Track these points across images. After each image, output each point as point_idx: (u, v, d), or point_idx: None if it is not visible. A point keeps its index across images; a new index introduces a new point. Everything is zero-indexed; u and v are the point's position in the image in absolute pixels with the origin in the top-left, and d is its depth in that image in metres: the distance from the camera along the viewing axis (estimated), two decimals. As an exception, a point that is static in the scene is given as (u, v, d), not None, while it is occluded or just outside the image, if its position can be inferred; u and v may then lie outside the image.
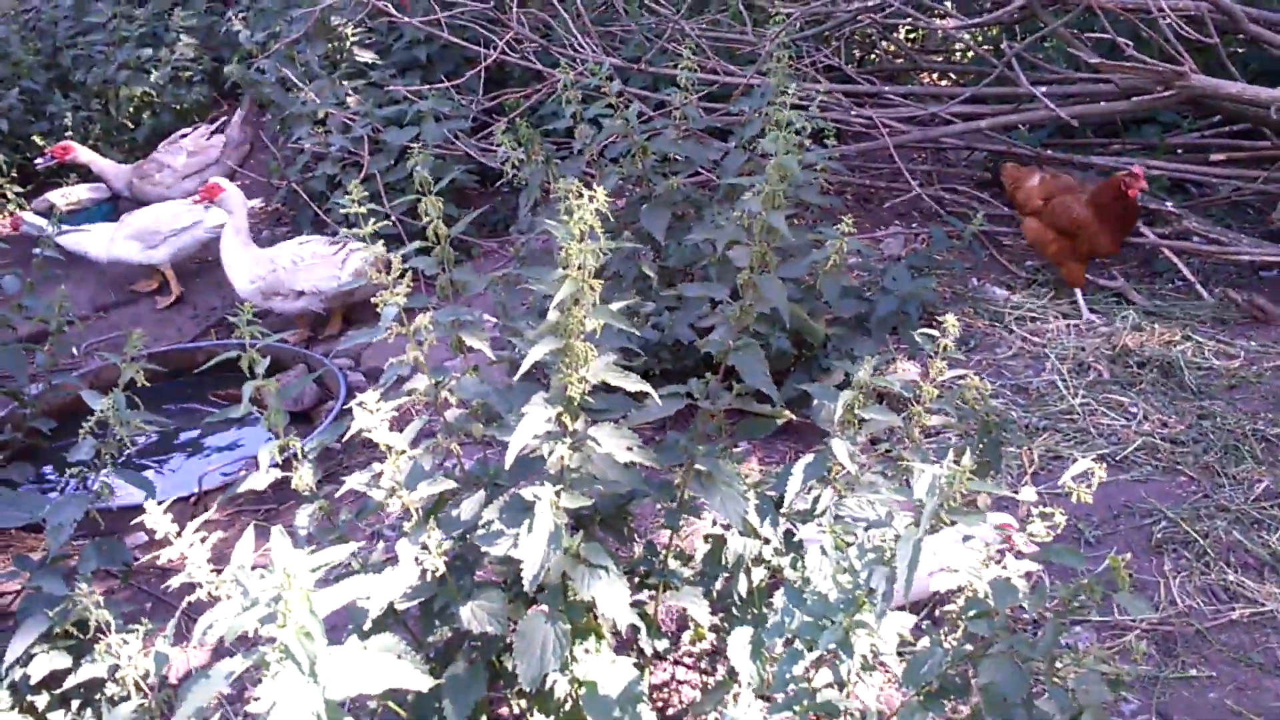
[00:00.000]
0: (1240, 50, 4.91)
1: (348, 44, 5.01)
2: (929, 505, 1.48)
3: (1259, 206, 4.59)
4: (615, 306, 1.81)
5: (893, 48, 5.98)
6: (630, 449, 1.83)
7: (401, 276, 2.08)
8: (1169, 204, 4.37)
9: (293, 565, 1.34)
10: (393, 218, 4.26)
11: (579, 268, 1.74)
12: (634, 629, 2.24)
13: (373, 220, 2.14)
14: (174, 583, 1.78)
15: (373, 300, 2.08)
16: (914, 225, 4.77)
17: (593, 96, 3.65)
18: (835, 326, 3.54)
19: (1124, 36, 4.25)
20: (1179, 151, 4.84)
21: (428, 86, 4.91)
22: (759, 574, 2.24)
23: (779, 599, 1.88)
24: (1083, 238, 3.98)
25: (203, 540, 1.79)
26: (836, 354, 3.43)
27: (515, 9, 4.99)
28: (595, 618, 2.04)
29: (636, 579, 2.30)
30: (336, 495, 2.07)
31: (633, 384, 1.79)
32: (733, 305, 2.24)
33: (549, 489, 1.83)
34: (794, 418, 3.06)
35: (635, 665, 2.07)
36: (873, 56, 5.95)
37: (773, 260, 2.21)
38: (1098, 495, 3.01)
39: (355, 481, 1.93)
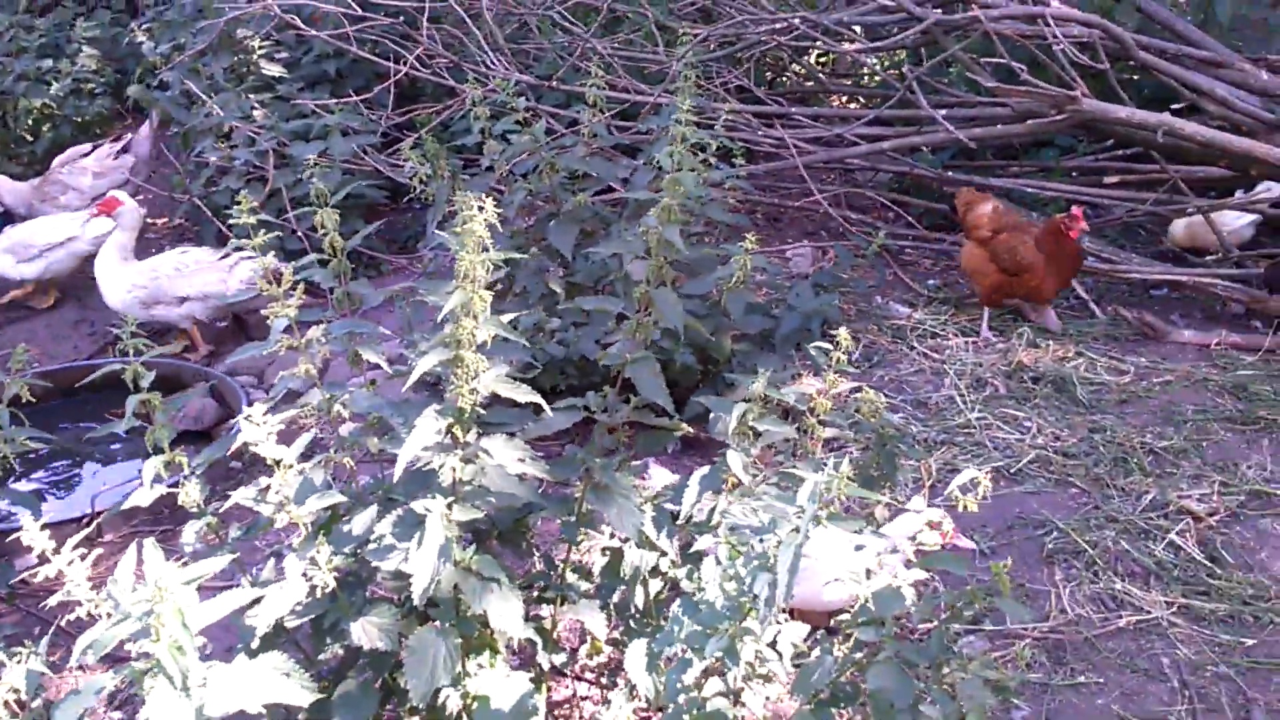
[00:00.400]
0: (1135, 77, 5.10)
1: (254, 57, 4.94)
2: (809, 511, 1.50)
3: (1150, 227, 4.76)
4: (506, 318, 1.80)
5: (803, 71, 6.08)
6: (522, 460, 1.82)
7: (294, 288, 2.06)
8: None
9: (165, 578, 1.31)
10: (299, 233, 4.21)
11: (469, 279, 1.74)
12: (531, 644, 2.22)
13: (264, 231, 2.12)
14: (52, 601, 1.73)
15: (263, 312, 2.05)
16: (823, 243, 4.85)
17: (503, 113, 3.66)
18: (741, 343, 3.58)
19: (1023, 62, 4.39)
20: (1074, 174, 5.00)
21: (337, 101, 4.86)
22: (656, 586, 2.25)
23: (675, 609, 1.89)
24: (1024, 280, 3.96)
25: (83, 558, 1.74)
26: (742, 370, 3.46)
27: (426, 25, 4.98)
28: (490, 632, 2.02)
29: (535, 593, 2.29)
30: (222, 510, 2.02)
31: (523, 395, 1.79)
32: (632, 319, 2.26)
33: (440, 501, 1.82)
34: (699, 433, 3.08)
35: (532, 680, 2.06)
36: (783, 79, 6.05)
37: (669, 274, 2.23)
38: (993, 507, 3.10)
39: (241, 496, 1.89)
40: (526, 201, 3.61)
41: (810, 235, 5.02)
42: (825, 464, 2.17)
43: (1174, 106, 4.63)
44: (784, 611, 2.13)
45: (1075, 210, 3.92)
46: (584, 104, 3.76)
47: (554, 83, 4.87)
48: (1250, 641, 2.62)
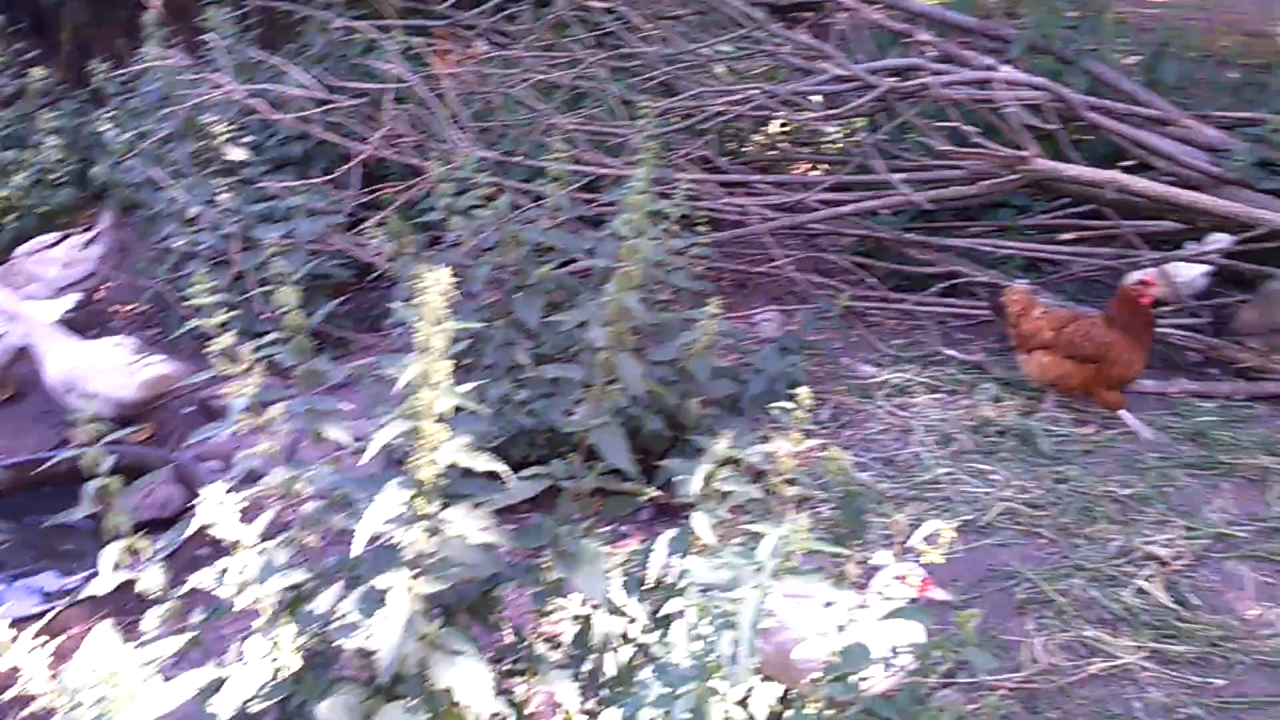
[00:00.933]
0: (1087, 137, 5.22)
1: (218, 142, 4.99)
2: (768, 566, 1.51)
3: (1107, 281, 4.84)
4: (467, 388, 1.82)
5: (765, 140, 6.21)
6: (485, 530, 1.83)
7: (252, 368, 2.07)
8: (1024, 281, 4.58)
9: (119, 660, 1.30)
10: (264, 315, 4.22)
11: (427, 350, 1.76)
12: (501, 717, 2.20)
13: (225, 311, 2.13)
14: (7, 696, 1.70)
15: (222, 392, 2.06)
16: (789, 307, 4.90)
17: (469, 189, 3.71)
18: (710, 407, 3.60)
19: (978, 126, 4.50)
20: (1032, 232, 5.09)
21: (302, 183, 4.91)
22: (629, 652, 2.24)
23: (646, 674, 1.89)
24: (1111, 361, 3.71)
25: (42, 649, 1.73)
26: (711, 434, 3.47)
27: (391, 106, 5.06)
28: (459, 708, 2.00)
29: (506, 666, 2.28)
30: (183, 595, 2.01)
31: (483, 464, 1.79)
32: (595, 386, 2.28)
33: (403, 575, 1.82)
34: (671, 499, 3.08)
35: (503, 755, 2.04)
36: (745, 149, 6.16)
37: (630, 340, 2.26)
38: (964, 560, 3.11)
39: (200, 579, 1.88)
40: (492, 275, 3.64)
41: (776, 300, 5.07)
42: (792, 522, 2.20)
43: (1124, 164, 4.75)
44: (759, 674, 2.13)
45: (1145, 276, 3.78)
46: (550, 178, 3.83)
47: (519, 158, 4.94)
48: (1220, 682, 2.64)
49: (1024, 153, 4.12)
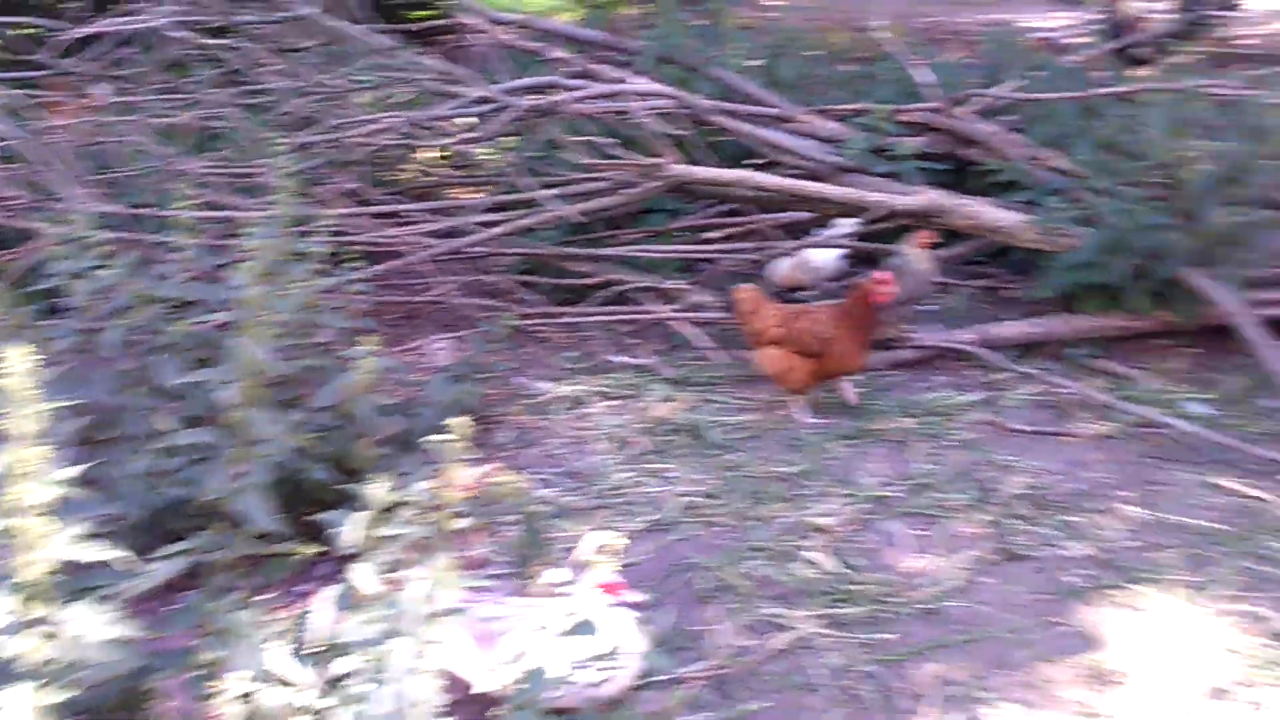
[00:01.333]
0: (723, 139, 5.51)
1: None
2: (413, 613, 1.46)
3: (756, 273, 5.13)
4: (70, 472, 1.64)
5: (420, 168, 6.11)
6: (111, 624, 1.66)
7: None
8: (676, 283, 4.76)
9: None
10: None
11: (17, 438, 1.58)
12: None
13: None
14: None
15: None
16: (460, 333, 4.85)
17: (91, 248, 3.40)
18: (383, 446, 3.48)
19: (622, 137, 4.64)
20: (681, 234, 5.31)
21: (-109, 261, 4.35)
22: (304, 721, 2.11)
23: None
24: (832, 356, 3.86)
25: None
26: (385, 475, 3.36)
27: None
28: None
29: (171, 763, 2.09)
30: None
31: (95, 554, 1.63)
32: (233, 448, 2.14)
33: (25, 688, 1.62)
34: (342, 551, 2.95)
35: None
36: (400, 178, 6.04)
37: (263, 395, 2.14)
38: (651, 559, 3.19)
39: None
40: (126, 339, 3.36)
41: (448, 328, 5.00)
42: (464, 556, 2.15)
43: (755, 161, 5.06)
44: (448, 715, 2.07)
45: (880, 274, 3.88)
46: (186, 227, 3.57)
47: (150, 209, 4.60)
48: (888, 636, 2.84)
49: (659, 160, 4.29)
